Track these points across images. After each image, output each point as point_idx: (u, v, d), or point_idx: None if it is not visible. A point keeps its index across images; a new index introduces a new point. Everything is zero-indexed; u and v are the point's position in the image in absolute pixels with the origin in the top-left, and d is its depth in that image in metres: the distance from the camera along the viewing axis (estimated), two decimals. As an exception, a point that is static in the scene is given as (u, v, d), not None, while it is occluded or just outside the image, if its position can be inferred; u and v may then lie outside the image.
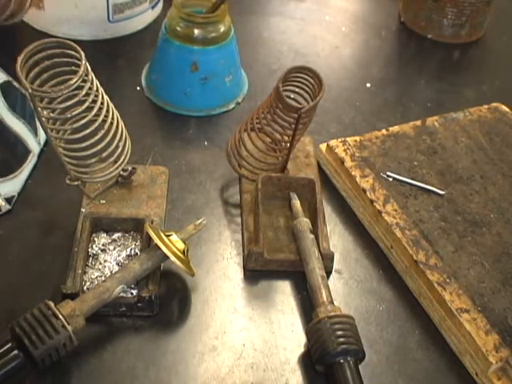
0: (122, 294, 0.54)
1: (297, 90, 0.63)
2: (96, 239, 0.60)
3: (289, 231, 0.63)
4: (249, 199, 0.66)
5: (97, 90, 0.55)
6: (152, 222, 0.61)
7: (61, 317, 0.49)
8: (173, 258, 0.53)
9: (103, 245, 0.60)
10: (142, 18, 0.89)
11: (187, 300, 0.58)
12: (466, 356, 0.56)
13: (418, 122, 0.75)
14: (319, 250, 0.59)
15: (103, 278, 0.56)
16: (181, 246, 0.55)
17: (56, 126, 0.56)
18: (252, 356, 0.55)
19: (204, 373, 0.53)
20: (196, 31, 0.73)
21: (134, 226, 0.61)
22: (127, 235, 0.61)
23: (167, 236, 0.55)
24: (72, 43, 0.53)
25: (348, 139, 0.71)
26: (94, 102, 0.55)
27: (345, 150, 0.69)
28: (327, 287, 0.57)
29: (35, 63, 0.53)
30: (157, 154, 0.71)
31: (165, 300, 0.57)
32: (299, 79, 0.62)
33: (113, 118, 0.58)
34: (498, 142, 0.74)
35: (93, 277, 0.57)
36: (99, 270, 0.58)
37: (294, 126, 0.61)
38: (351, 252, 0.64)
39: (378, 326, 0.58)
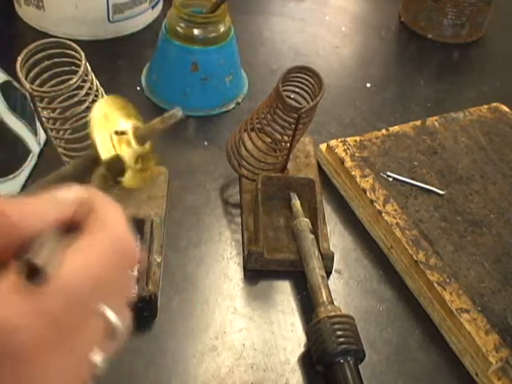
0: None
1: (297, 90, 0.63)
2: (96, 239, 0.60)
3: (289, 231, 0.63)
4: (249, 199, 0.66)
5: (97, 90, 0.56)
6: (152, 222, 0.61)
7: None
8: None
9: (103, 245, 0.60)
10: (142, 18, 0.89)
11: (187, 300, 0.58)
12: (466, 356, 0.56)
13: (418, 122, 0.75)
14: (319, 250, 0.59)
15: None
16: (135, 149, 0.38)
17: (56, 126, 0.56)
18: (252, 356, 0.55)
19: (204, 373, 0.53)
20: (196, 31, 0.73)
21: (134, 226, 0.60)
22: (127, 235, 0.61)
23: (120, 133, 0.37)
24: (72, 43, 0.53)
25: (348, 139, 0.70)
26: (94, 101, 0.55)
27: (345, 150, 0.69)
28: (327, 287, 0.57)
29: (35, 63, 0.53)
30: (157, 154, 0.71)
31: (165, 300, 0.57)
32: (299, 79, 0.62)
33: (113, 118, 0.58)
34: (497, 142, 0.73)
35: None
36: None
37: (294, 126, 0.61)
38: (351, 252, 0.64)
39: (378, 325, 0.58)
